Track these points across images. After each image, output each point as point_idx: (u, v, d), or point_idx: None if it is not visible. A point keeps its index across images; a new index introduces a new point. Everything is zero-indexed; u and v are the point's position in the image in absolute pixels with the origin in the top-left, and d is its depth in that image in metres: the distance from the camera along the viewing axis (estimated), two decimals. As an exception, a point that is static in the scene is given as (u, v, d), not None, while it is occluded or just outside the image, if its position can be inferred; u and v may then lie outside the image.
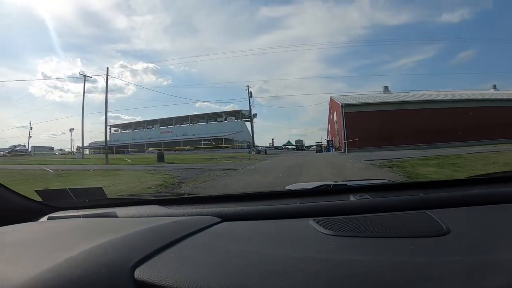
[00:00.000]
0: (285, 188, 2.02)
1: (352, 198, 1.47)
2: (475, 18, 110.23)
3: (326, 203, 1.43)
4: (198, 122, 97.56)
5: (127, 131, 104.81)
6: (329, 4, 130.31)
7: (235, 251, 0.96)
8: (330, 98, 52.80)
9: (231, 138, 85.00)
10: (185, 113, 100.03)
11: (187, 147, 78.40)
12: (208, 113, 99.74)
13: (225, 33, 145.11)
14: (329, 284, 0.73)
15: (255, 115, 66.10)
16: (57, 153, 65.34)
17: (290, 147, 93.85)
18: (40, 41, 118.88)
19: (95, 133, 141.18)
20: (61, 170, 18.42)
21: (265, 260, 0.87)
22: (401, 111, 37.24)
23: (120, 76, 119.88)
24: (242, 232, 1.20)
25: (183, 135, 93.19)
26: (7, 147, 72.02)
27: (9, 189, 1.58)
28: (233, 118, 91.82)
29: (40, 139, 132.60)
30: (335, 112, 45.93)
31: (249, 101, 58.06)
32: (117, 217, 1.52)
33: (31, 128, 72.93)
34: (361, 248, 0.95)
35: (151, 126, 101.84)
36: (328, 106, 55.90)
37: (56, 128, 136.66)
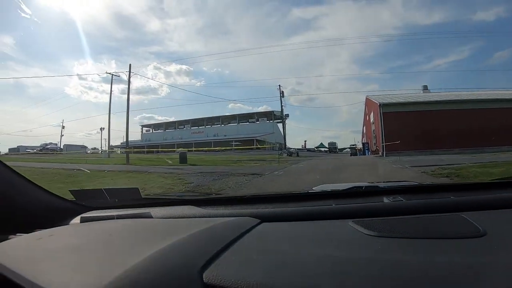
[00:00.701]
0: (313, 188, 1.94)
1: (385, 200, 1.48)
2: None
3: (362, 204, 1.43)
4: (230, 123, 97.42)
5: (159, 131, 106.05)
6: (361, 3, 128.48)
7: (288, 253, 0.98)
8: (366, 98, 49.35)
9: (262, 140, 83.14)
10: (217, 114, 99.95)
11: (217, 148, 78.60)
12: (240, 114, 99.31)
13: (257, 34, 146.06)
14: (383, 284, 0.77)
15: (287, 115, 63.46)
16: (89, 152, 65.80)
17: (323, 149, 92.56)
18: (75, 44, 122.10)
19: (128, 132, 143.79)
20: (76, 169, 17.16)
21: (322, 263, 0.89)
22: (444, 111, 33.28)
23: (154, 77, 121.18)
24: (285, 233, 1.20)
25: (214, 136, 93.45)
26: (39, 144, 74.31)
27: (44, 189, 1.61)
28: (265, 119, 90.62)
29: (76, 137, 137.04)
30: (372, 113, 42.53)
31: (281, 100, 55.57)
32: (152, 217, 1.50)
33: (63, 127, 74.59)
34: (405, 249, 0.97)
35: (182, 127, 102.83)
36: (363, 106, 52.72)
37: (91, 127, 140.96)
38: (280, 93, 55.17)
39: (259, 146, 69.79)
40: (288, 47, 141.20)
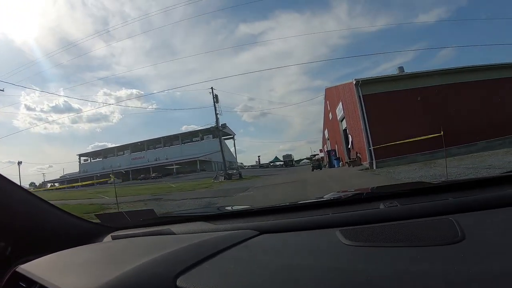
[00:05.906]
0: (324, 197, 1.83)
1: (381, 206, 1.38)
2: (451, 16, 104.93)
3: (355, 212, 1.35)
4: (172, 145, 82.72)
5: (97, 159, 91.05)
6: (306, 15, 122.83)
7: (266, 264, 0.98)
8: (326, 89, 34.52)
9: (207, 160, 69.50)
10: (158, 136, 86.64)
11: (153, 175, 65.12)
12: (182, 133, 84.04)
13: (206, 53, 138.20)
14: None
15: (224, 125, 46.96)
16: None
17: (278, 163, 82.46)
18: (20, 73, 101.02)
19: (70, 164, 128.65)
20: None
21: (289, 273, 0.90)
22: (463, 84, 18.92)
23: (105, 103, 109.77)
24: (276, 244, 1.19)
25: (156, 160, 78.07)
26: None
27: (74, 215, 1.73)
28: (211, 136, 75.47)
29: (28, 174, 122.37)
30: (340, 105, 27.21)
31: (215, 107, 38.92)
32: (173, 234, 1.54)
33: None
34: (377, 257, 0.93)
35: (121, 153, 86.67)
36: (316, 117, 38.04)
37: (44, 161, 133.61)
38: (214, 97, 38.83)
39: (204, 168, 55.41)
40: (237, 64, 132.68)
